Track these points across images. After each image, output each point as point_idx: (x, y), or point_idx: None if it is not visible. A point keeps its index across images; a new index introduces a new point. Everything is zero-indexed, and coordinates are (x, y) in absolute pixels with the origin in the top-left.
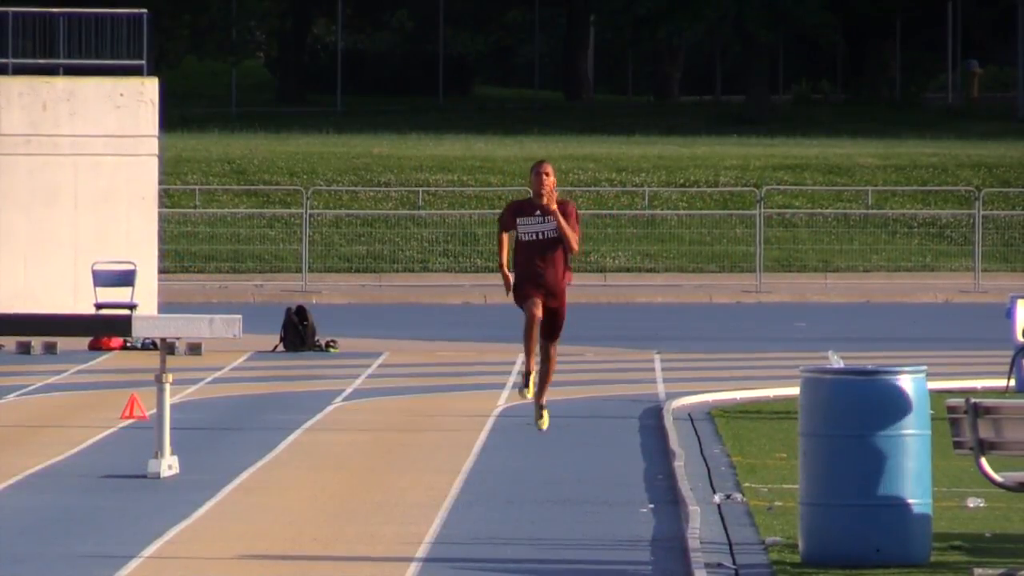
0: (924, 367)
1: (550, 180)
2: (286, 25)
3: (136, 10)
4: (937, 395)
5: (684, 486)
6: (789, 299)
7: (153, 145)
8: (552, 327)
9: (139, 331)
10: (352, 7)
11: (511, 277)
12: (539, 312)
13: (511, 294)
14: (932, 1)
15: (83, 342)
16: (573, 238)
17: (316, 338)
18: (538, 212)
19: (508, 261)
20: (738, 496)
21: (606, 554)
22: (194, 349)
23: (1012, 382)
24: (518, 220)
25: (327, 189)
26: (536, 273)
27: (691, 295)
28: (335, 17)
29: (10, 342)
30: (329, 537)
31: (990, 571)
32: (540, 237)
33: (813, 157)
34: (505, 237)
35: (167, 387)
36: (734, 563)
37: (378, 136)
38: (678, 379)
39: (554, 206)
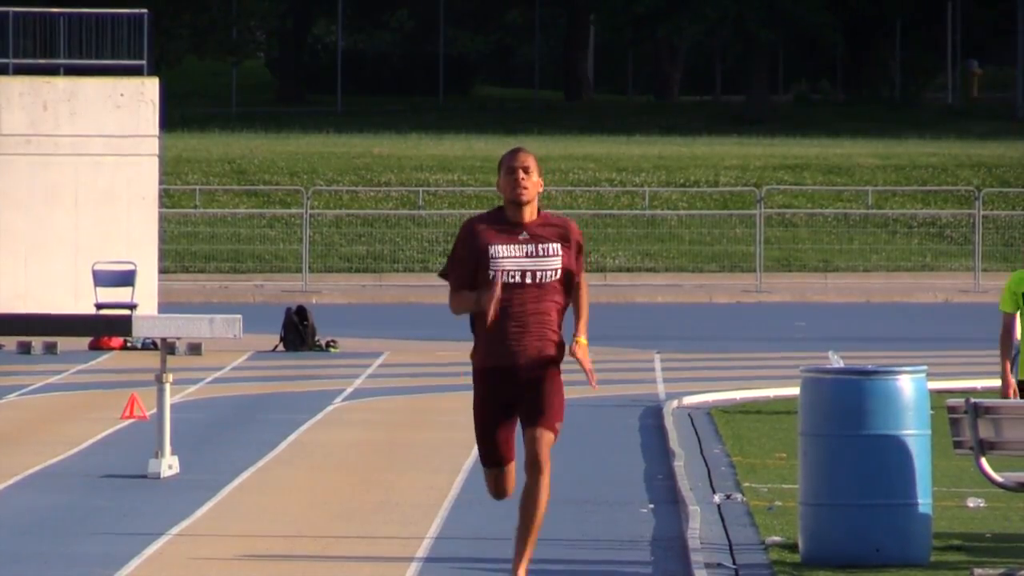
0: (924, 367)
1: (532, 181)
2: (286, 25)
3: (136, 10)
4: (937, 395)
5: (684, 486)
6: (789, 299)
7: (153, 145)
8: (537, 406)
9: (139, 331)
10: (352, 7)
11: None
12: (509, 489)
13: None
14: (932, 1)
15: (83, 342)
16: (585, 311)
17: (316, 338)
18: (522, 235)
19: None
20: (738, 496)
21: (606, 554)
22: (194, 349)
23: None
24: (490, 248)
25: (327, 189)
26: (508, 347)
27: (691, 295)
28: (335, 17)
29: (10, 342)
30: (329, 537)
31: (990, 571)
32: (527, 281)
33: (813, 157)
34: (461, 297)
35: (167, 387)
36: (734, 563)
37: (378, 136)
38: (678, 379)
39: (582, 356)
